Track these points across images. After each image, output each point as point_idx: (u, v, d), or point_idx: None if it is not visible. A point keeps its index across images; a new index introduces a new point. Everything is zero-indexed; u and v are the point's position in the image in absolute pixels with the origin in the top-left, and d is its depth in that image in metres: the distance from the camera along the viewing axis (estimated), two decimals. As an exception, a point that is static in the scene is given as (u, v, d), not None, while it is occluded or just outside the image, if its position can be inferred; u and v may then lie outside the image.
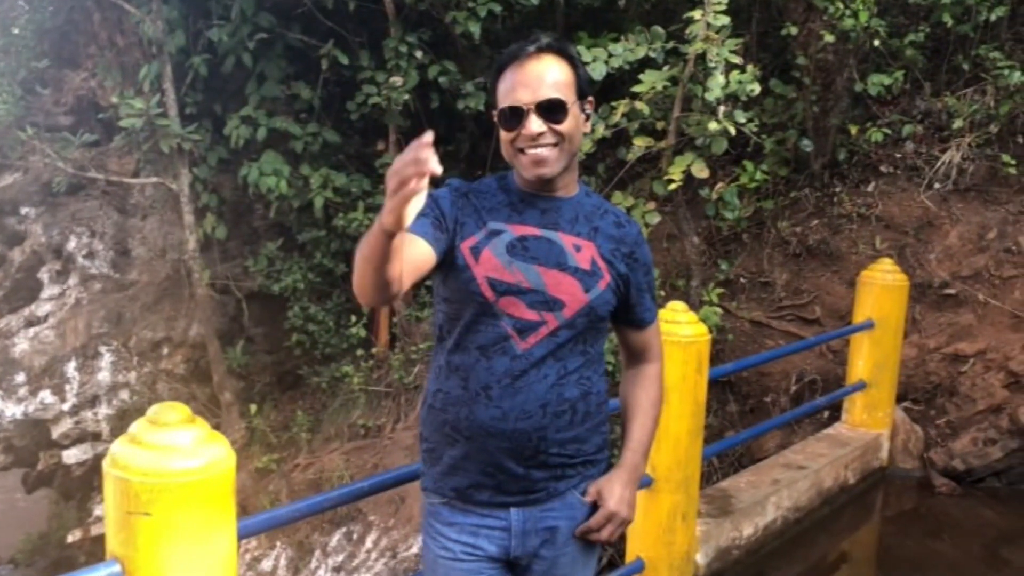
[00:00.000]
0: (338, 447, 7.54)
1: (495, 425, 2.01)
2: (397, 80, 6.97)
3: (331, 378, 8.03)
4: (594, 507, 2.14)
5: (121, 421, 8.52)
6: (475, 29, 6.69)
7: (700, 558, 3.78)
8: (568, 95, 2.01)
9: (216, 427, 8.04)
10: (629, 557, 3.57)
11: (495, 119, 2.07)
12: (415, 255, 1.93)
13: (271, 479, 7.46)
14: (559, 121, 1.98)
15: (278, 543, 7.15)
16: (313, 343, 8.14)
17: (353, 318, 7.80)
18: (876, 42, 6.01)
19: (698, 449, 3.56)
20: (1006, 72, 5.97)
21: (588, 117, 2.09)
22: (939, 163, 6.25)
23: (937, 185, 6.22)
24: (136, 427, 1.98)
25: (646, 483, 3.43)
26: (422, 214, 1.92)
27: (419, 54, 7.06)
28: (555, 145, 2.00)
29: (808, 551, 4.48)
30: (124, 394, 8.50)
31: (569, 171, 2.10)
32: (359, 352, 7.77)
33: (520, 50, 2.03)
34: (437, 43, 7.38)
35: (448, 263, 2.04)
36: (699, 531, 3.75)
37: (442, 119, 8.03)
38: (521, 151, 2.01)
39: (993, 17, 6.22)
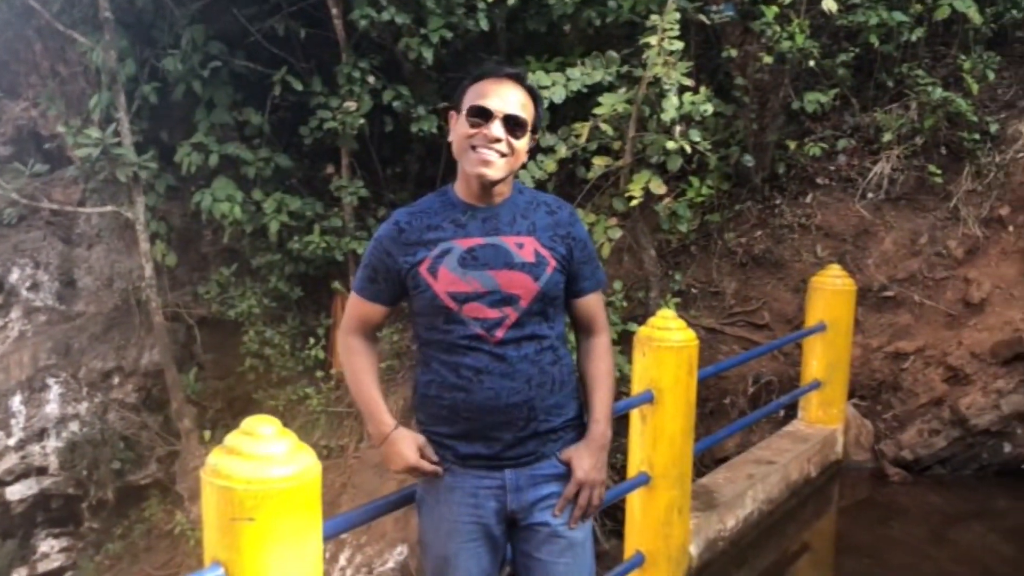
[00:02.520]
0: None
1: (490, 404, 2.31)
2: (351, 105, 7.12)
3: (288, 401, 8.08)
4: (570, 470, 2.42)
5: (71, 453, 8.42)
6: (428, 55, 6.90)
7: (693, 549, 4.03)
8: (528, 122, 2.36)
9: (174, 455, 8.05)
10: (628, 552, 3.80)
11: (455, 117, 2.38)
12: (374, 319, 2.48)
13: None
14: (517, 137, 2.31)
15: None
16: (268, 367, 8.18)
17: (311, 340, 7.88)
18: (811, 62, 6.41)
19: (691, 446, 3.82)
20: (929, 88, 6.43)
21: (529, 150, 2.42)
22: (871, 174, 6.68)
23: (870, 195, 6.65)
24: (231, 440, 2.13)
25: (644, 480, 3.67)
26: (369, 277, 2.43)
27: (371, 79, 7.22)
28: (504, 156, 2.30)
29: (780, 540, 4.78)
30: (74, 426, 8.41)
31: (505, 182, 2.39)
32: (318, 374, 7.86)
33: (499, 69, 2.38)
34: (386, 68, 7.56)
35: (410, 288, 2.37)
36: (691, 524, 4.00)
37: (392, 142, 8.21)
38: (473, 148, 2.30)
39: (913, 38, 6.70)
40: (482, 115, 2.29)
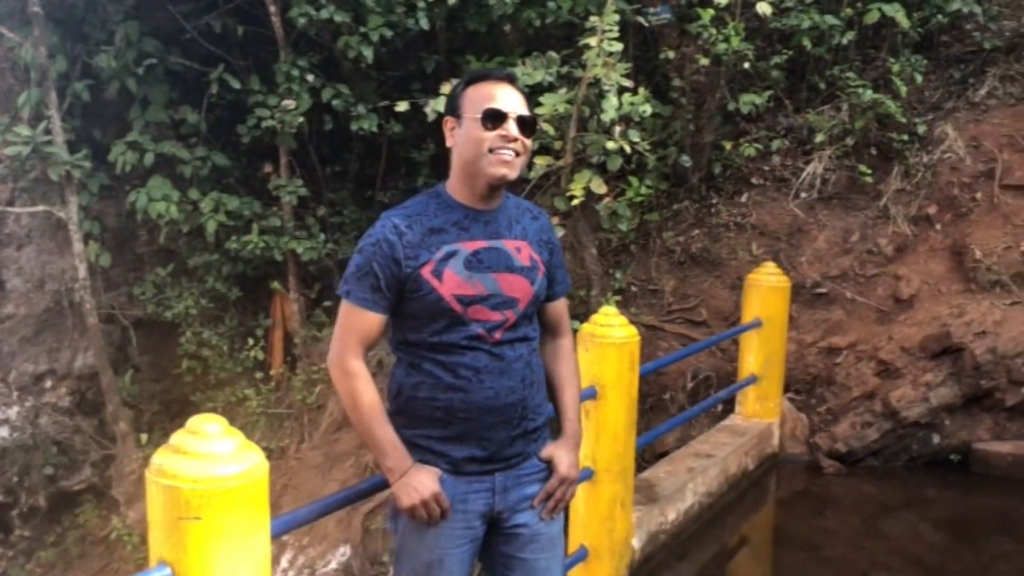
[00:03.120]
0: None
1: (489, 403, 2.31)
2: (290, 103, 7.08)
3: (226, 403, 7.99)
4: (548, 469, 2.47)
5: (1, 460, 8.22)
6: (368, 53, 6.89)
7: (635, 543, 4.08)
8: (533, 121, 2.41)
9: (109, 460, 7.91)
10: (572, 546, 3.83)
11: (452, 123, 2.38)
12: (378, 332, 2.34)
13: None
14: (527, 136, 2.34)
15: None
16: (206, 368, 8.09)
17: (250, 341, 7.81)
18: (746, 64, 6.54)
19: (633, 441, 3.88)
20: (859, 91, 6.61)
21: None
22: (804, 174, 6.84)
23: (803, 194, 6.81)
24: (177, 439, 2.11)
25: (587, 475, 3.72)
26: (371, 287, 2.29)
27: (310, 77, 7.18)
28: (519, 155, 2.33)
29: (720, 533, 4.87)
30: (3, 431, 8.21)
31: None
32: (257, 375, 7.78)
33: (496, 72, 2.43)
34: (324, 66, 7.52)
35: (409, 291, 2.29)
36: (634, 518, 4.06)
37: (331, 140, 8.17)
38: (492, 151, 2.29)
39: (844, 41, 6.88)
40: (497, 117, 2.29)
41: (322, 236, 7.76)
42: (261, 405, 7.55)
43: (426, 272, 2.27)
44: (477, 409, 2.31)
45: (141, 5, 7.40)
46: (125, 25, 7.17)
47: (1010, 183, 6.39)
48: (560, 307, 2.57)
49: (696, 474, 4.74)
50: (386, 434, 2.32)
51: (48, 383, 8.19)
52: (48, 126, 7.00)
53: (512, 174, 2.32)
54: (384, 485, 2.79)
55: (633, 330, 3.82)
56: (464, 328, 2.30)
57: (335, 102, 7.20)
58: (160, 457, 2.09)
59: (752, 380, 5.63)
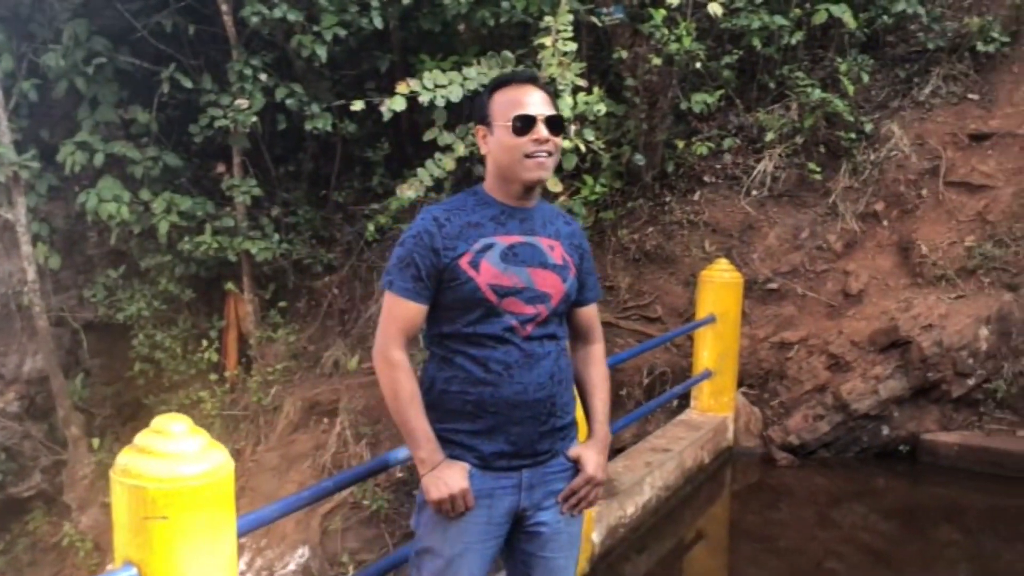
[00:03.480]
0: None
1: (518, 398, 2.35)
2: (243, 102, 7.02)
3: (180, 405, 7.90)
4: (574, 468, 2.50)
5: (-53, 468, 8.05)
6: (322, 52, 6.86)
7: (595, 537, 4.14)
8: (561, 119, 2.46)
9: (60, 465, 7.78)
10: (533, 541, 3.86)
11: (483, 131, 2.44)
12: (420, 322, 2.41)
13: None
14: (558, 135, 2.40)
15: None
16: (159, 371, 8.00)
17: (204, 343, 7.74)
18: (698, 64, 6.63)
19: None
20: (808, 90, 6.74)
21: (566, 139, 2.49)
22: (755, 172, 6.96)
23: (755, 192, 6.92)
24: (142, 439, 2.11)
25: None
26: (412, 276, 2.36)
27: (264, 77, 7.14)
28: (551, 155, 2.39)
29: (677, 526, 4.94)
30: (-50, 437, 8.03)
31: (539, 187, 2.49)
32: (212, 377, 7.71)
33: (516, 76, 2.48)
34: (277, 66, 7.48)
35: (447, 281, 2.36)
36: (593, 512, 4.10)
37: (284, 140, 8.12)
38: (528, 156, 2.35)
39: (793, 41, 7.00)
40: (527, 122, 2.34)
41: (276, 236, 7.71)
42: (216, 407, 7.48)
43: (464, 263, 2.34)
44: (506, 404, 2.35)
45: (89, 3, 7.29)
46: (73, 23, 7.07)
47: (954, 180, 6.56)
48: (591, 313, 2.63)
49: (654, 468, 4.80)
50: (421, 425, 2.36)
51: (-4, 388, 8.04)
52: (-6, 126, 6.88)
53: (547, 175, 2.41)
54: (345, 485, 2.80)
55: (592, 326, 3.85)
56: (498, 320, 2.35)
57: (288, 101, 7.16)
58: (125, 457, 2.09)
59: (707, 375, 5.71)
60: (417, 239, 2.37)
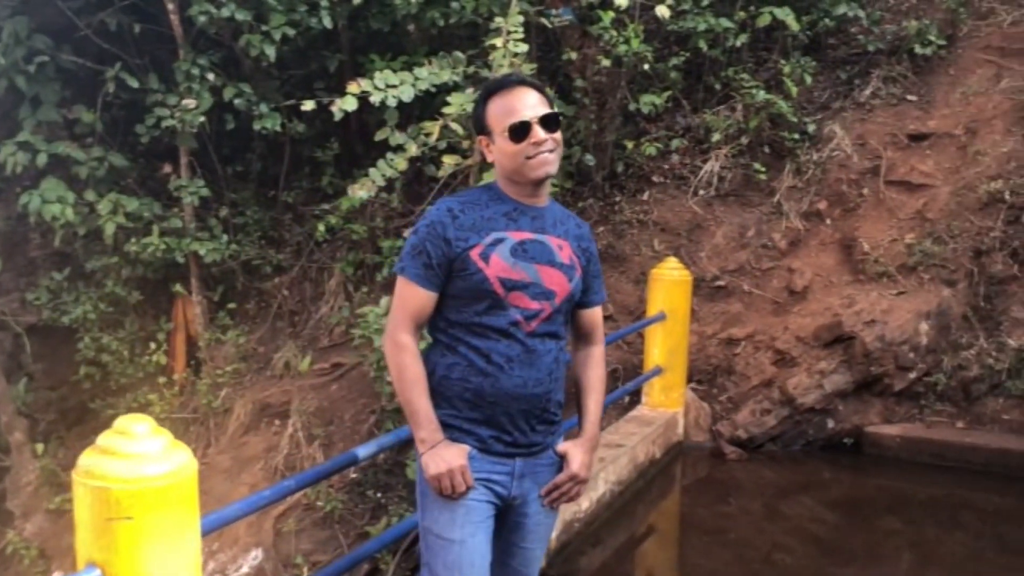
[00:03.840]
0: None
1: (516, 391, 2.44)
2: (190, 102, 6.95)
3: (127, 409, 7.78)
4: (560, 463, 2.58)
5: None
6: (271, 52, 6.83)
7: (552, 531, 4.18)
8: (555, 115, 2.52)
9: (3, 471, 7.63)
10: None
11: (485, 141, 2.53)
12: (429, 308, 2.49)
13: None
14: (555, 131, 2.46)
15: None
16: (106, 375, 7.88)
17: (152, 345, 7.64)
18: (646, 66, 6.72)
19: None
20: (753, 91, 6.87)
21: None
22: (702, 172, 7.08)
23: (702, 191, 7.04)
24: (104, 440, 2.12)
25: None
26: (424, 264, 2.44)
27: (211, 76, 7.08)
28: (552, 151, 2.46)
29: (630, 521, 5.02)
30: None
31: (548, 185, 2.56)
32: (161, 380, 7.62)
33: (506, 81, 2.54)
34: (224, 65, 7.42)
35: (457, 271, 2.44)
36: (550, 508, 4.15)
37: (231, 140, 8.05)
38: (529, 158, 2.43)
39: (738, 43, 7.14)
40: (522, 129, 2.41)
41: (225, 237, 7.65)
42: (165, 410, 7.38)
43: (474, 254, 2.42)
44: (505, 395, 2.43)
45: (30, 1, 7.16)
46: (13, 21, 6.94)
47: (894, 179, 6.74)
48: (594, 315, 2.70)
49: (607, 464, 4.87)
50: (424, 406, 2.45)
51: (-67, 394, 7.84)
52: (-67, 126, 6.73)
53: (553, 169, 2.48)
54: (308, 483, 2.82)
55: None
56: (503, 313, 2.43)
57: (237, 101, 7.10)
58: (87, 458, 2.09)
59: (657, 371, 5.80)
60: (430, 228, 2.45)
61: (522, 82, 2.52)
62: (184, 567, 2.16)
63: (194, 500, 2.18)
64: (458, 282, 2.44)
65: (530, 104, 2.44)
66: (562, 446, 2.59)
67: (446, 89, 6.05)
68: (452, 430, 2.47)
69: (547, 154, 2.44)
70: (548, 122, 2.44)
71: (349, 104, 5.70)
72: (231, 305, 7.82)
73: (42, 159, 7.14)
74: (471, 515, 2.46)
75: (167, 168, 7.78)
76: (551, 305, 2.47)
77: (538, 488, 2.55)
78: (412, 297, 2.48)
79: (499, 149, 2.48)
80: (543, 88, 2.56)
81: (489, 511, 2.50)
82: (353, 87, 5.72)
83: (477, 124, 2.56)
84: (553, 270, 2.48)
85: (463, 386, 2.46)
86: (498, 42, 5.54)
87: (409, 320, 2.48)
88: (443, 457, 2.41)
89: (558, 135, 2.48)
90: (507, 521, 2.57)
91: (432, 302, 2.48)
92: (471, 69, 5.93)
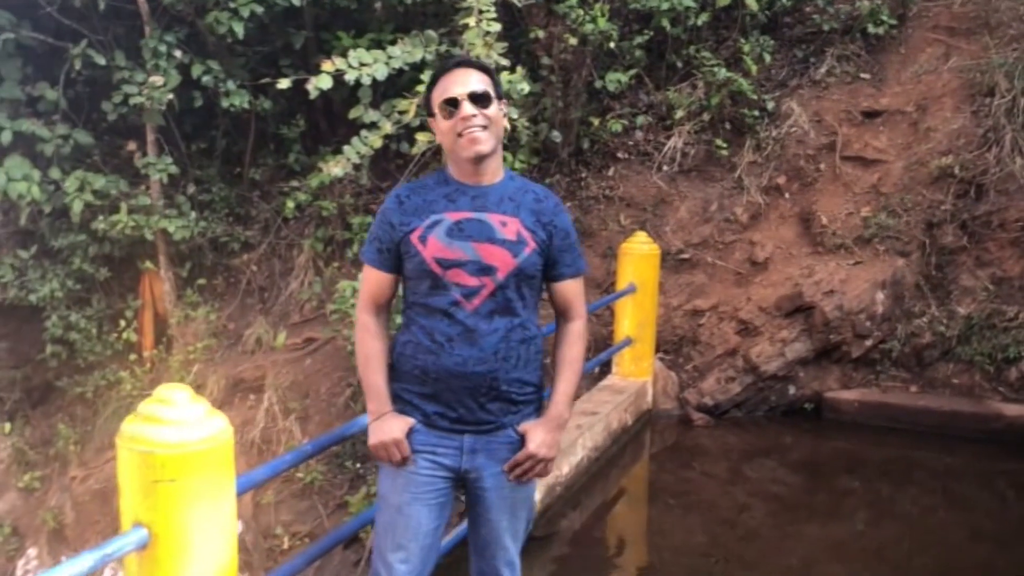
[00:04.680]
0: (115, 455, 7.38)
1: (457, 369, 2.52)
2: (158, 79, 6.95)
3: (96, 387, 7.82)
4: (523, 442, 2.61)
5: None
6: (239, 29, 6.83)
7: (536, 496, 4.35)
8: (491, 92, 2.56)
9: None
10: (479, 502, 4.07)
11: (434, 120, 2.60)
12: (386, 288, 2.66)
13: (52, 494, 7.20)
14: (486, 107, 2.51)
15: (63, 558, 6.92)
16: (72, 353, 7.88)
17: (122, 323, 7.66)
18: (611, 44, 6.88)
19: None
20: (714, 69, 7.07)
21: (505, 115, 2.67)
22: (666, 148, 7.27)
23: (665, 167, 7.23)
24: (146, 408, 2.24)
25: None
26: (377, 248, 2.63)
27: (178, 53, 7.07)
28: (485, 128, 2.50)
29: (605, 484, 5.22)
30: None
31: (494, 157, 2.59)
32: (131, 357, 7.65)
33: (448, 63, 2.63)
34: (188, 42, 7.40)
35: (403, 253, 2.57)
36: (535, 472, 4.33)
37: (194, 117, 8.04)
38: (459, 135, 2.50)
39: (699, 22, 7.32)
40: (452, 104, 2.49)
41: (193, 214, 7.67)
42: (136, 387, 7.42)
43: (414, 237, 2.54)
44: (446, 373, 2.52)
45: (-10, -24, 7.08)
46: (-25, -2, 6.86)
47: (849, 155, 6.99)
48: (566, 289, 2.68)
49: (584, 431, 5.06)
50: (374, 381, 2.62)
51: None
52: None
53: (485, 147, 2.51)
54: (327, 445, 2.96)
55: (532, 296, 4.06)
56: (445, 292, 2.51)
57: (205, 79, 7.11)
58: (130, 425, 2.21)
59: (628, 342, 6.00)
60: (381, 215, 2.63)
61: (464, 63, 2.60)
62: (222, 525, 2.30)
63: (231, 463, 2.32)
64: (407, 264, 2.58)
65: (463, 81, 2.52)
66: (523, 425, 2.61)
67: (416, 67, 6.14)
68: (403, 403, 2.61)
69: (477, 131, 2.49)
70: (478, 98, 2.49)
71: (324, 82, 5.77)
72: (200, 282, 7.85)
73: (6, 136, 7.08)
74: (410, 485, 2.59)
75: (132, 146, 7.76)
76: (493, 281, 2.51)
77: (497, 464, 2.59)
78: (369, 279, 2.67)
79: (438, 129, 2.59)
80: (488, 68, 2.63)
81: (434, 483, 2.59)
82: (327, 65, 5.79)
83: (427, 107, 2.64)
84: (493, 247, 2.52)
85: (412, 363, 2.58)
86: (471, 21, 5.65)
87: (368, 300, 2.67)
88: (383, 429, 2.57)
89: (492, 111, 2.52)
90: (469, 493, 2.66)
91: (388, 282, 2.64)
92: (443, 48, 6.03)
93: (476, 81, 2.53)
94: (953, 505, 5.21)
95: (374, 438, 2.58)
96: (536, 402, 2.68)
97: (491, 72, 2.62)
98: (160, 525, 2.18)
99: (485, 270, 2.51)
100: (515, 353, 2.56)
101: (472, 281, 2.51)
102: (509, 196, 2.61)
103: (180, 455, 2.17)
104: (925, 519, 5.00)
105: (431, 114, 2.61)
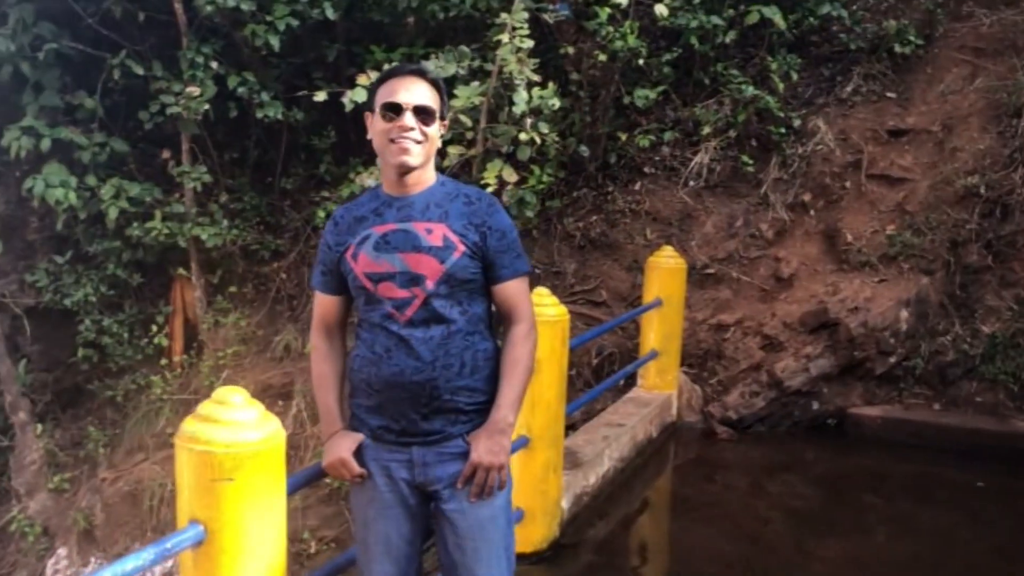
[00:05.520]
0: (145, 458, 7.52)
1: (395, 379, 2.50)
2: (194, 90, 7.10)
3: (127, 390, 7.95)
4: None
5: None
6: (274, 41, 6.98)
7: (564, 504, 4.44)
8: (436, 110, 2.57)
9: (7, 450, 7.75)
10: (508, 509, 4.15)
11: (370, 118, 2.60)
12: (334, 310, 2.70)
13: (81, 495, 7.32)
14: (427, 124, 2.52)
15: (92, 559, 7.06)
16: (104, 356, 8.02)
17: (154, 328, 7.80)
18: (639, 61, 6.97)
19: (563, 410, 4.23)
20: (741, 87, 7.15)
21: (441, 136, 2.65)
22: (692, 164, 7.35)
23: (692, 183, 7.31)
24: (205, 409, 2.33)
25: (523, 443, 4.04)
26: (321, 272, 2.68)
27: (215, 64, 7.22)
28: (419, 143, 2.51)
29: (630, 495, 5.29)
30: None
31: (423, 170, 2.59)
32: (162, 362, 7.78)
33: (403, 68, 2.60)
34: (224, 53, 7.56)
35: (343, 272, 2.60)
36: (563, 480, 4.41)
37: (227, 127, 8.19)
38: (392, 141, 2.50)
39: (727, 40, 7.40)
40: (394, 109, 2.48)
41: (225, 222, 7.81)
42: (166, 392, 7.55)
43: (348, 255, 2.57)
44: (385, 384, 2.51)
45: (35, -13, 7.27)
46: (19, 8, 7.04)
47: (875, 173, 7.05)
48: (507, 291, 2.61)
49: (610, 442, 5.14)
50: (324, 401, 2.70)
51: (-67, 375, 7.93)
52: (-61, 110, 6.83)
53: (413, 160, 2.51)
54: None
55: (563, 309, 4.17)
56: (378, 306, 2.53)
57: (240, 89, 7.26)
58: (190, 425, 2.31)
59: (653, 355, 6.07)
60: (322, 239, 2.69)
61: (417, 72, 2.57)
62: (274, 523, 2.40)
63: (283, 463, 2.41)
64: (347, 283, 2.61)
65: (414, 93, 2.50)
66: (472, 435, 2.55)
67: (453, 82, 6.26)
68: (354, 418, 2.64)
69: (411, 143, 2.49)
70: (422, 112, 2.50)
71: (359, 95, 5.89)
72: (231, 289, 7.99)
73: (46, 144, 7.25)
74: (374, 502, 2.59)
75: (166, 154, 7.92)
76: (423, 290, 2.50)
77: (452, 476, 2.53)
78: (318, 302, 2.73)
79: (373, 127, 2.57)
80: (440, 85, 2.60)
81: (391, 501, 2.57)
82: (363, 79, 5.91)
83: (369, 102, 2.63)
84: (420, 255, 2.50)
85: (359, 376, 2.59)
86: (504, 37, 5.76)
87: (318, 322, 2.73)
88: (332, 449, 2.59)
89: (432, 130, 2.52)
90: (435, 514, 2.59)
91: (335, 304, 2.68)
92: (476, 63, 6.14)
93: (424, 95, 2.52)
94: (975, 523, 5.20)
95: (326, 459, 2.60)
96: (481, 410, 2.59)
97: (442, 89, 2.61)
98: (216, 522, 2.27)
99: (414, 280, 2.50)
100: (456, 361, 2.51)
101: (402, 293, 2.51)
102: (436, 202, 2.58)
103: (238, 455, 2.26)
104: (947, 536, 5.00)
105: (371, 109, 2.59)
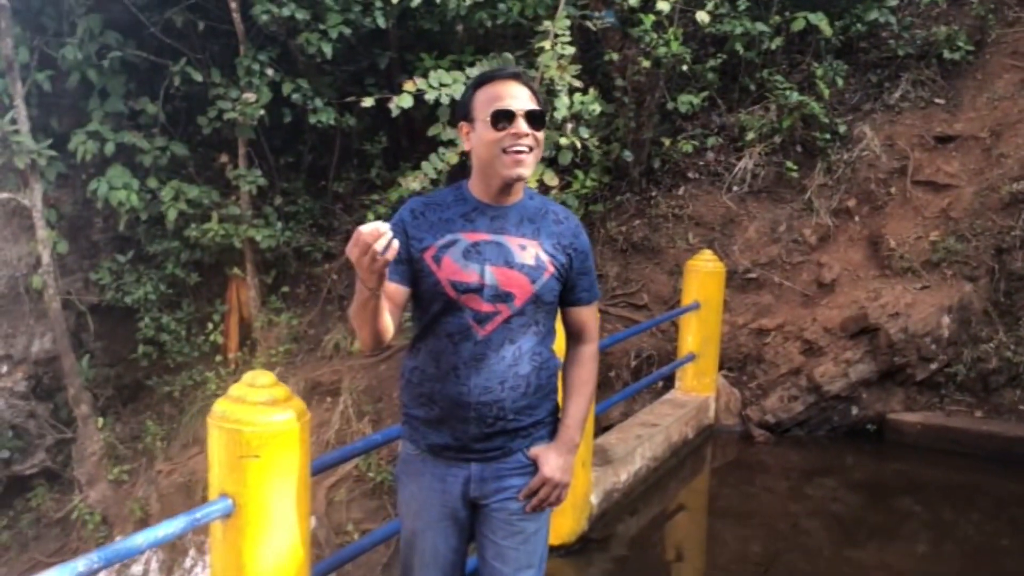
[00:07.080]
0: (199, 451, 7.78)
1: (462, 398, 2.41)
2: (251, 96, 7.36)
3: (183, 386, 8.24)
4: (535, 466, 2.51)
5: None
6: (327, 49, 7.21)
7: (593, 499, 4.54)
8: (544, 113, 2.45)
9: (63, 444, 8.09)
10: (538, 502, 4.27)
11: (467, 128, 2.44)
12: (392, 296, 2.38)
13: (139, 486, 7.61)
14: (539, 129, 2.38)
15: (148, 547, 7.31)
16: (162, 353, 8.32)
17: (210, 326, 8.07)
18: (684, 67, 7.05)
19: (593, 407, 4.32)
20: (787, 93, 7.17)
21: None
22: (736, 169, 7.39)
23: (735, 188, 7.36)
24: (236, 391, 2.50)
25: (553, 438, 4.15)
26: (394, 259, 2.37)
27: (270, 72, 7.48)
28: (531, 150, 2.37)
29: (663, 494, 5.36)
30: (-40, 416, 8.30)
31: (520, 182, 2.45)
32: (217, 359, 8.05)
33: (500, 72, 2.46)
34: (279, 61, 7.81)
35: (417, 272, 2.43)
36: (592, 476, 4.52)
37: (283, 132, 8.46)
38: (505, 151, 2.34)
39: (773, 46, 7.44)
40: (506, 117, 2.32)
41: (279, 224, 8.06)
42: (221, 388, 7.81)
43: (428, 256, 2.40)
44: (450, 402, 2.42)
45: (101, -1, 7.62)
46: (87, 18, 7.39)
47: (920, 179, 7.02)
48: (583, 314, 2.57)
49: (643, 441, 5.22)
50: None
51: (4, 368, 8.31)
52: (14, 115, 7.18)
53: (527, 172, 2.38)
54: (394, 438, 3.14)
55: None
56: (458, 315, 2.39)
57: (294, 96, 7.50)
58: (221, 406, 2.48)
59: (691, 358, 6.13)
60: (395, 226, 2.39)
61: (515, 76, 2.43)
62: (297, 499, 2.54)
63: (307, 444, 2.56)
64: (420, 283, 2.43)
65: (519, 96, 2.36)
66: (535, 450, 2.50)
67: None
68: (412, 428, 2.52)
69: (524, 152, 2.35)
70: (533, 118, 2.35)
71: (406, 101, 6.07)
72: (284, 289, 8.23)
73: (110, 148, 7.58)
74: (423, 512, 2.52)
75: (223, 158, 8.21)
76: (509, 308, 2.40)
77: (510, 490, 2.48)
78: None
79: (478, 137, 2.38)
80: (534, 87, 2.46)
81: (442, 514, 2.51)
82: (409, 85, 6.08)
83: (462, 110, 2.45)
84: (512, 272, 2.40)
85: (419, 389, 2.48)
86: (546, 44, 5.88)
87: None
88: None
89: (541, 135, 2.39)
90: (480, 516, 2.54)
91: (400, 294, 2.42)
92: (519, 69, 6.27)
93: (531, 100, 2.39)
94: (1016, 532, 5.15)
95: (353, 249, 2.08)
96: (551, 425, 2.57)
97: (537, 92, 2.48)
98: (244, 496, 2.43)
99: (502, 296, 2.39)
100: (523, 382, 2.45)
101: (487, 307, 2.39)
102: (528, 217, 2.47)
103: (263, 433, 2.42)
104: (987, 546, 4.97)
105: (468, 119, 2.43)
